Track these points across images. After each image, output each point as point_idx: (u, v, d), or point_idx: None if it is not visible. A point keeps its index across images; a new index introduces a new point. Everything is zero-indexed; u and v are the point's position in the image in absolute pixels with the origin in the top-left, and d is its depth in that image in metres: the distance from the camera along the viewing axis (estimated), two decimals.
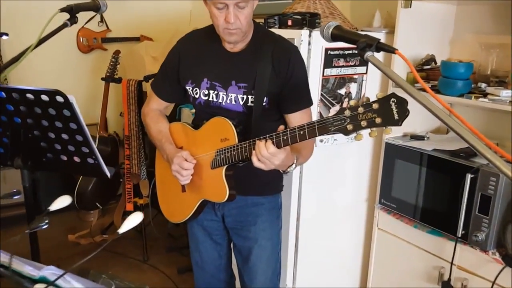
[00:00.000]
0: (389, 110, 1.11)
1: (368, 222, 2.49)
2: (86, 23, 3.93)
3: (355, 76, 2.15)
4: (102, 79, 3.16)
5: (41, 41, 1.36)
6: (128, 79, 3.04)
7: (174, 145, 1.71)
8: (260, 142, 1.37)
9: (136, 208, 3.20)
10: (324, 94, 2.07)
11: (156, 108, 1.82)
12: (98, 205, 3.22)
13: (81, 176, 3.18)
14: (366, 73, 2.18)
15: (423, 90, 2.10)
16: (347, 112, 1.19)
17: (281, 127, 1.38)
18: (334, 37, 1.20)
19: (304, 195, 2.18)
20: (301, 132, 1.31)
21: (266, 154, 1.36)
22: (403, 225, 2.18)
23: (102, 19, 4.00)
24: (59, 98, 1.34)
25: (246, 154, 1.45)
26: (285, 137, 1.35)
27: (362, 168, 2.40)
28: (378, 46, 1.10)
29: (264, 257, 1.77)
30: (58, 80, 3.89)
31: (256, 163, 1.40)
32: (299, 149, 1.54)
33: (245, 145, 1.46)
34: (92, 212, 3.47)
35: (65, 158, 1.54)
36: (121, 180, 3.34)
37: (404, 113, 1.09)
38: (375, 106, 1.14)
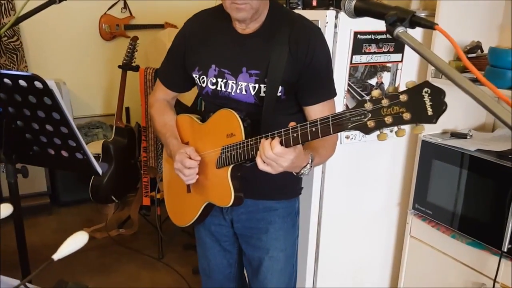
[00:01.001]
0: (421, 103, 0.88)
1: (400, 230, 2.26)
2: (108, 9, 3.82)
3: (389, 65, 1.90)
4: (119, 66, 3.01)
5: (23, 17, 1.18)
6: (146, 67, 2.88)
7: (179, 140, 1.52)
8: (264, 141, 1.17)
9: (153, 202, 3.06)
10: (352, 85, 1.84)
11: (162, 98, 1.63)
12: (114, 198, 3.09)
13: None
14: (401, 61, 1.93)
15: (474, 81, 1.87)
16: (368, 105, 0.96)
17: (292, 123, 1.16)
18: (357, 11, 0.97)
19: (326, 197, 1.96)
20: (313, 129, 1.09)
21: (271, 155, 1.15)
22: (439, 235, 1.98)
23: (126, 5, 3.89)
24: (38, 84, 1.17)
25: (252, 153, 1.25)
26: (294, 135, 1.13)
27: (394, 168, 2.16)
28: (413, 20, 0.86)
29: (276, 270, 1.56)
30: (79, 68, 3.83)
31: (260, 165, 1.19)
32: (316, 147, 1.32)
33: (251, 143, 1.25)
34: (110, 205, 3.35)
35: (52, 152, 1.38)
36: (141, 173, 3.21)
37: (440, 107, 0.86)
38: (403, 97, 0.90)
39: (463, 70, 1.97)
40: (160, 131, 1.58)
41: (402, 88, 0.93)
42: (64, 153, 1.37)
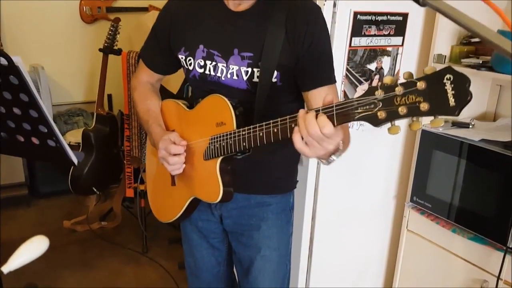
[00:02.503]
0: (442, 92, 0.76)
1: (396, 223, 2.17)
2: None
3: (389, 49, 1.78)
4: (100, 50, 2.84)
5: None
6: (128, 51, 2.72)
7: (163, 128, 1.38)
8: (308, 115, 0.95)
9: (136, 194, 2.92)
10: (351, 69, 1.71)
11: (146, 81, 1.49)
12: (95, 189, 2.94)
13: None
14: (402, 45, 1.81)
15: (479, 67, 1.76)
16: (379, 93, 0.83)
17: (328, 100, 0.95)
18: None
19: (321, 190, 1.85)
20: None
21: (318, 134, 0.94)
22: (438, 229, 1.89)
23: None
24: (3, 61, 1.02)
25: (244, 144, 1.11)
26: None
27: (392, 159, 2.06)
28: None
29: (268, 271, 1.44)
30: (59, 52, 3.65)
31: (298, 144, 0.97)
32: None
33: (243, 133, 1.11)
34: (91, 197, 3.19)
35: (21, 139, 1.23)
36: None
37: (464, 97, 0.75)
38: (421, 85, 0.78)
39: (467, 55, 1.87)
40: (142, 118, 1.43)
41: (401, 80, 0.81)
42: (35, 140, 1.22)
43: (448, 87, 0.75)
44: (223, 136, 1.18)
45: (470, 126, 1.85)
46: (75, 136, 3.14)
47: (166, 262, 2.78)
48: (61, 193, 3.48)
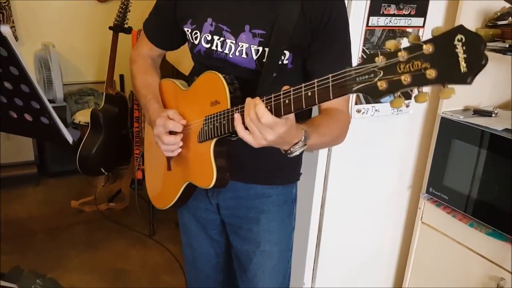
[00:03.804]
0: (452, 56, 0.65)
1: (410, 215, 2.07)
2: None
3: (409, 30, 1.67)
4: (110, 28, 2.78)
5: None
6: (139, 29, 2.65)
7: (161, 105, 1.30)
8: (250, 99, 0.93)
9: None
10: (367, 51, 1.61)
11: (147, 54, 1.41)
12: (103, 170, 2.90)
13: (85, 138, 2.85)
14: (423, 26, 1.70)
15: (505, 51, 1.64)
16: (380, 60, 0.73)
17: (285, 87, 0.92)
18: None
19: (331, 177, 1.76)
20: (309, 93, 0.86)
21: (256, 121, 0.91)
22: (454, 222, 1.79)
23: None
24: None
25: None
26: (286, 101, 0.89)
27: (408, 147, 1.96)
28: None
29: (268, 267, 1.35)
30: (70, 31, 3.61)
31: (241, 132, 0.96)
32: (317, 124, 1.08)
33: (237, 112, 1.02)
34: (100, 177, 3.16)
35: (14, 115, 1.17)
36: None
37: (478, 61, 0.63)
38: (427, 49, 0.67)
39: (492, 39, 1.75)
40: (140, 92, 1.34)
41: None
42: (28, 117, 1.16)
43: (460, 50, 0.64)
44: (217, 115, 1.09)
45: (493, 115, 1.75)
46: (84, 115, 3.10)
47: (173, 246, 2.74)
48: (71, 173, 3.46)
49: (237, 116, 0.96)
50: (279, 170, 1.30)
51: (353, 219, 1.92)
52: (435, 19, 1.74)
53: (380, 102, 1.70)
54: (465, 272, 1.78)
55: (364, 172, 1.87)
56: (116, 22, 2.76)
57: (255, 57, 1.15)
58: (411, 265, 2.01)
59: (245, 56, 1.16)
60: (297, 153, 1.00)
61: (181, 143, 1.19)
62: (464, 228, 1.75)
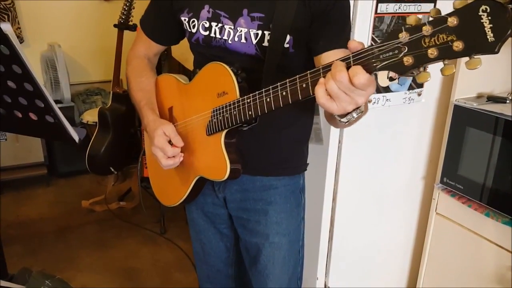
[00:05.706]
0: (478, 27, 0.65)
1: (424, 206, 2.03)
2: None
3: (420, 16, 1.63)
4: (115, 26, 2.76)
5: None
6: None
7: (156, 112, 1.27)
8: (339, 62, 0.81)
9: None
10: (376, 39, 1.57)
11: (143, 53, 1.38)
12: (112, 169, 2.89)
13: (93, 137, 2.84)
14: None
15: None
16: (403, 36, 0.72)
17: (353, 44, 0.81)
18: None
19: (343, 169, 1.73)
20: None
21: (347, 85, 0.79)
22: (470, 212, 1.75)
23: None
24: None
25: (250, 113, 1.00)
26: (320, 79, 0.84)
27: (421, 136, 1.92)
28: None
29: (278, 259, 1.33)
30: (76, 30, 3.60)
31: (322, 98, 0.83)
32: None
33: (248, 101, 1.00)
34: (109, 177, 3.15)
35: (19, 114, 1.16)
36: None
37: (505, 29, 0.63)
38: (452, 21, 0.67)
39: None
40: (134, 97, 1.32)
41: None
42: (33, 116, 1.15)
43: (485, 20, 0.64)
44: (226, 106, 1.07)
45: (507, 101, 1.71)
46: (92, 115, 3.09)
47: (184, 243, 2.73)
48: (80, 173, 3.47)
49: (322, 80, 0.84)
50: (285, 161, 1.28)
51: (366, 212, 1.89)
52: (446, 5, 1.69)
53: (394, 89, 1.66)
54: (481, 262, 1.74)
55: (376, 164, 1.83)
56: (120, 20, 2.74)
57: (254, 42, 1.12)
58: (426, 257, 1.97)
59: (244, 41, 1.13)
60: (353, 119, 0.90)
61: (181, 158, 1.19)
62: (480, 218, 1.71)
